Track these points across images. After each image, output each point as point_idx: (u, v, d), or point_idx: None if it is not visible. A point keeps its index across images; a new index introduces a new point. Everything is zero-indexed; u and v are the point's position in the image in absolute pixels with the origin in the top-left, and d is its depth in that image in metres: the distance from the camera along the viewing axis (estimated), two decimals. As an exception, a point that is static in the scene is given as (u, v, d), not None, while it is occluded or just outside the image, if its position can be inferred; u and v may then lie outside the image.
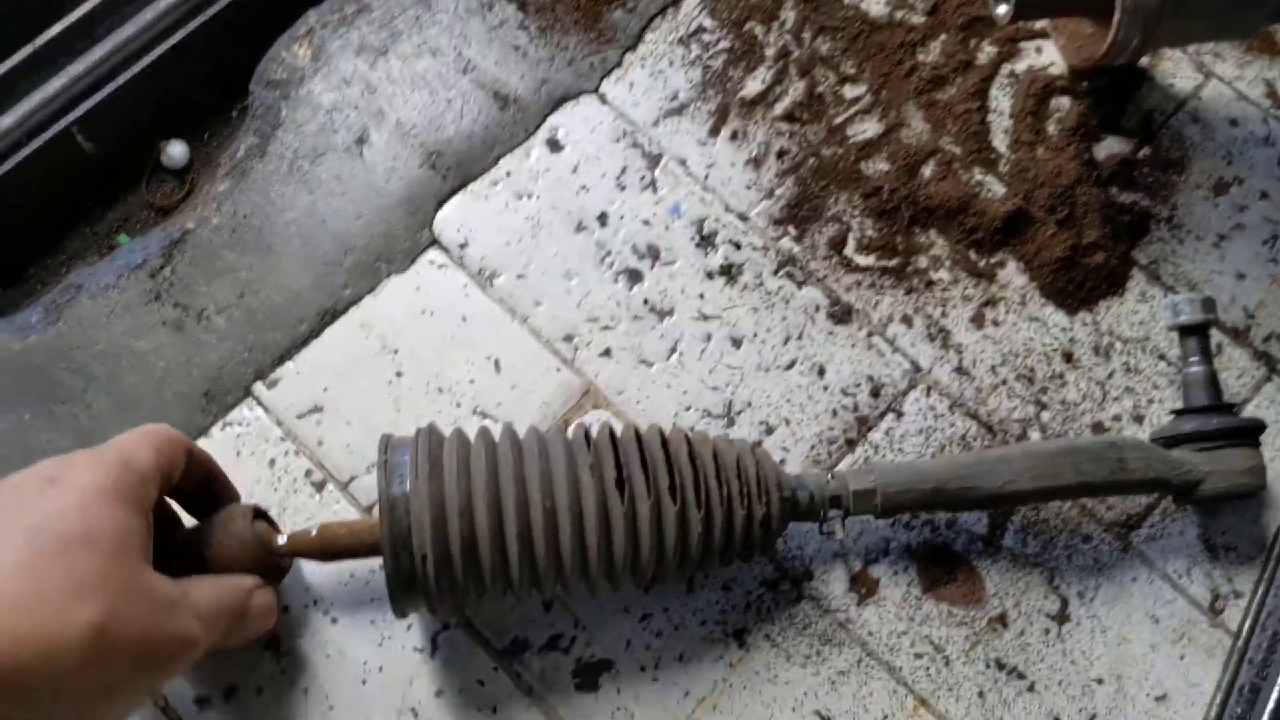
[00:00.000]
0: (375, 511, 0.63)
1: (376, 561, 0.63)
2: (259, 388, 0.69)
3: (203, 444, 0.67)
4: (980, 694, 0.63)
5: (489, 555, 0.55)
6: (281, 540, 0.59)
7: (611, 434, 0.59)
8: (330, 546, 0.59)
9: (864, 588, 0.65)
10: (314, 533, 0.59)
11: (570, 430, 0.60)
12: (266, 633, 0.59)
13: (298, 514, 0.66)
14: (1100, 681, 0.64)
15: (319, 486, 0.67)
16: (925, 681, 0.63)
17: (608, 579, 0.58)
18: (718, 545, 0.58)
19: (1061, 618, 0.65)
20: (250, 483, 0.67)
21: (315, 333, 0.70)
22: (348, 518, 0.66)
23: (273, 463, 0.67)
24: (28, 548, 0.44)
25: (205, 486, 0.59)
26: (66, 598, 0.43)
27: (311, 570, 0.64)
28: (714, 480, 0.58)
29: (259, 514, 0.59)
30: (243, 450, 0.67)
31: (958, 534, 0.66)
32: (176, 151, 0.80)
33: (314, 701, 0.62)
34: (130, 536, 0.47)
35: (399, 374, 0.69)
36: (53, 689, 0.42)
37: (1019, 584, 0.65)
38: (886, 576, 0.65)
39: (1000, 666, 0.64)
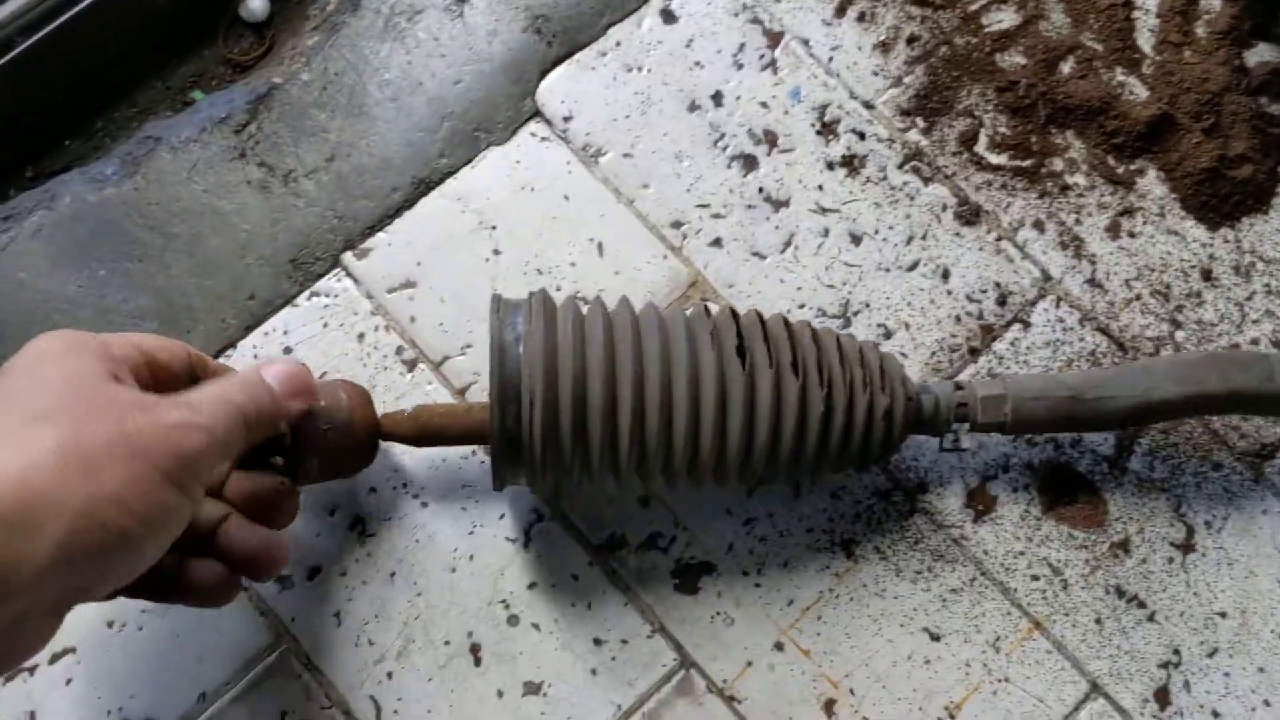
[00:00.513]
0: (469, 398, 0.60)
1: (470, 448, 0.60)
2: (348, 258, 0.65)
3: (288, 313, 0.63)
4: (1098, 621, 0.60)
5: (599, 418, 0.51)
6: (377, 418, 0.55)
7: (733, 311, 0.55)
8: (426, 429, 0.55)
9: (980, 504, 0.62)
10: (409, 411, 0.55)
11: (690, 308, 0.56)
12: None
13: (387, 392, 0.62)
14: (1224, 615, 0.60)
15: (410, 365, 0.63)
16: (1041, 605, 0.60)
17: (718, 462, 0.53)
18: (837, 435, 0.54)
19: (1186, 547, 0.61)
20: (337, 356, 0.63)
21: (408, 203, 0.66)
22: (440, 400, 0.62)
23: (361, 337, 0.63)
24: None
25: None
26: (26, 426, 0.39)
27: (401, 452, 0.61)
28: (838, 365, 0.54)
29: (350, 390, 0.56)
30: (330, 322, 0.63)
31: (1082, 454, 0.63)
32: (256, 4, 0.75)
33: (400, 587, 0.59)
34: (84, 373, 0.43)
35: (496, 252, 0.65)
36: (48, 513, 0.38)
37: (1144, 509, 0.62)
38: (1005, 494, 0.62)
39: (1120, 594, 0.61)
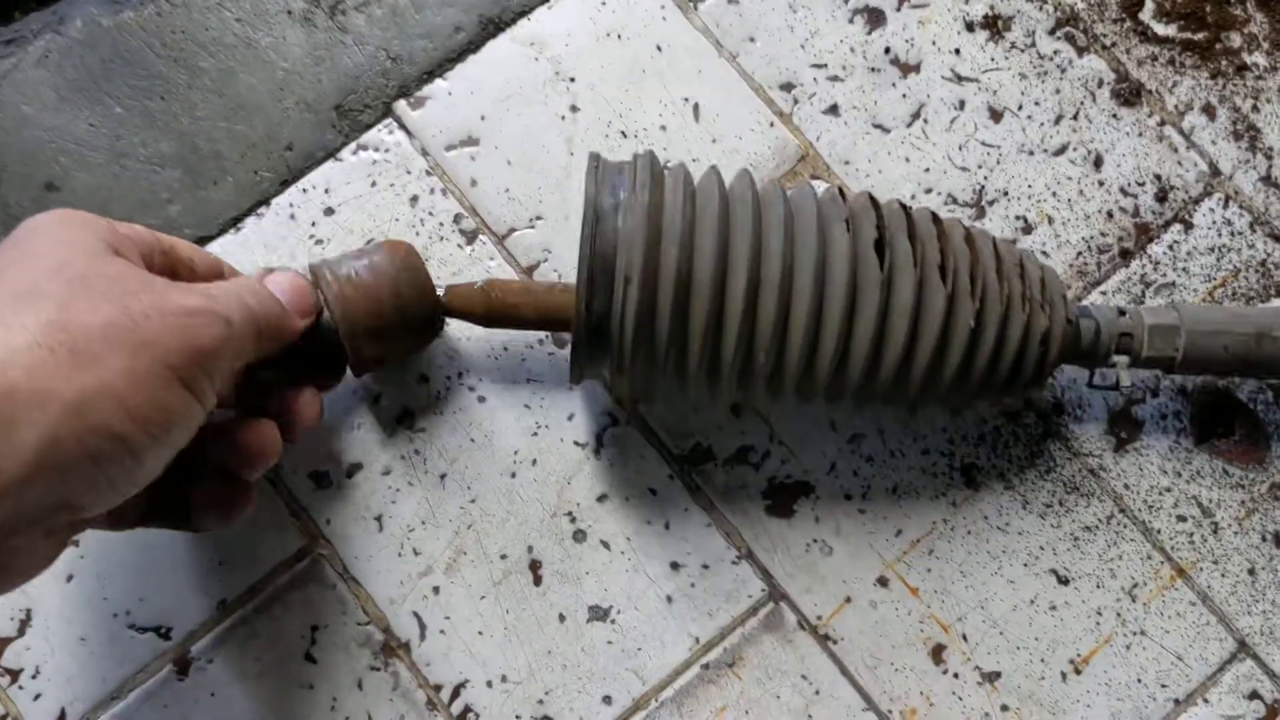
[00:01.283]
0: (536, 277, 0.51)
1: (536, 336, 0.52)
2: (401, 106, 0.55)
3: (331, 168, 0.54)
4: (1250, 571, 0.52)
5: (705, 303, 0.42)
6: (439, 292, 0.46)
7: (872, 198, 0.45)
8: (498, 307, 0.46)
9: (1124, 431, 0.53)
10: (479, 285, 0.46)
11: (823, 189, 0.46)
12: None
13: (443, 266, 0.54)
14: (1396, 573, 0.52)
15: (470, 236, 0.54)
16: (1186, 549, 0.52)
17: (836, 373, 0.45)
18: (984, 357, 0.45)
19: (1358, 493, 0.53)
20: (386, 222, 0.54)
21: (474, 46, 0.56)
22: (504, 278, 0.53)
23: (414, 200, 0.54)
24: None
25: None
26: (4, 309, 0.33)
27: (457, 337, 0.52)
28: (994, 273, 0.45)
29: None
30: (379, 181, 0.54)
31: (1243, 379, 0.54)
32: None
33: (452, 490, 0.51)
34: (81, 247, 0.36)
35: (574, 108, 0.55)
36: (29, 404, 0.31)
37: (1311, 447, 0.53)
38: (1153, 420, 0.53)
39: (1279, 542, 0.52)
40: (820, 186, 0.47)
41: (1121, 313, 0.48)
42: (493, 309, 0.47)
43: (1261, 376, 0.52)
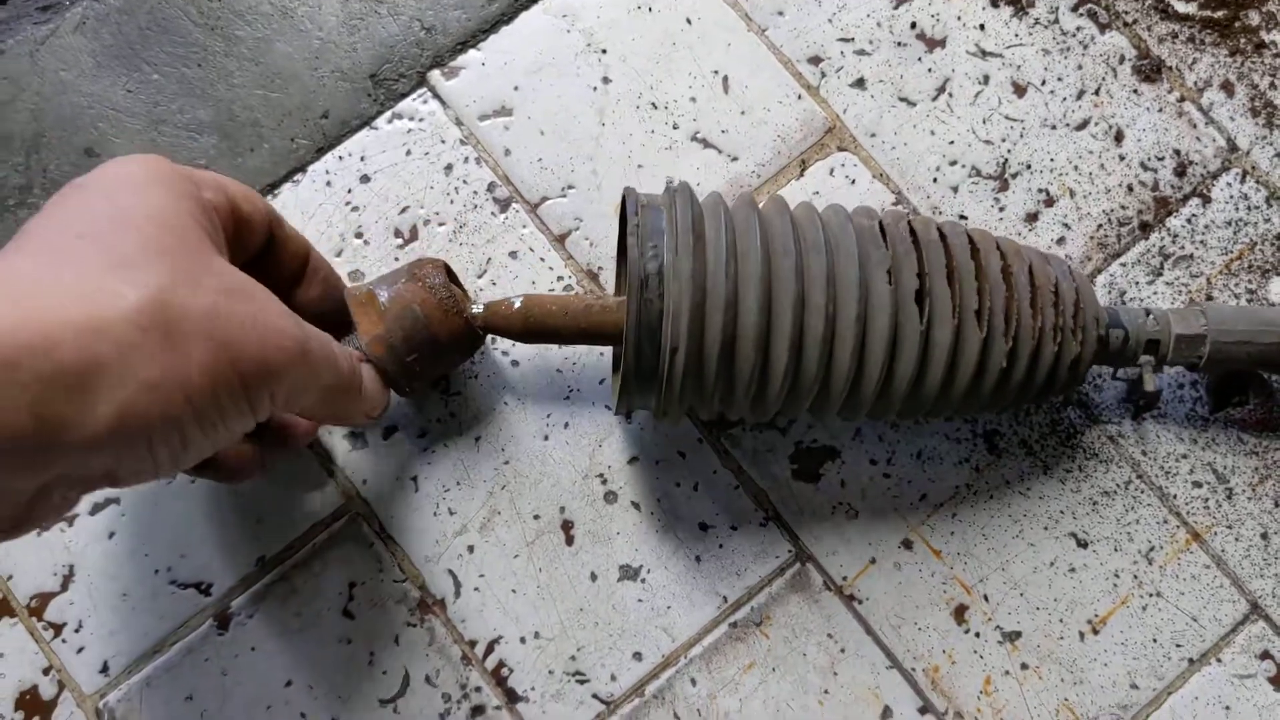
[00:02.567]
0: (573, 285, 0.52)
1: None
2: (436, 76, 0.56)
3: (366, 136, 0.55)
4: (1264, 536, 0.53)
5: (750, 361, 0.44)
6: (476, 309, 0.47)
7: (911, 228, 0.46)
8: (537, 325, 0.47)
9: (1142, 399, 0.54)
10: (517, 305, 0.47)
11: (854, 214, 0.47)
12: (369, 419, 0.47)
13: (476, 234, 0.55)
14: (1405, 539, 0.54)
15: (503, 205, 0.55)
16: (1202, 514, 0.53)
17: (878, 405, 0.46)
18: (1015, 386, 0.46)
19: (1368, 461, 0.54)
20: (421, 190, 0.55)
21: (507, 17, 0.57)
22: (536, 246, 0.54)
23: (449, 169, 0.55)
24: (51, 238, 0.34)
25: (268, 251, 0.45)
26: (104, 274, 0.33)
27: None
28: (1028, 305, 0.46)
29: (449, 273, 0.48)
30: (414, 149, 0.55)
31: (1260, 350, 0.55)
32: None
33: (486, 453, 0.53)
34: (176, 218, 0.36)
35: (605, 80, 0.56)
36: (111, 377, 0.31)
37: (1324, 416, 0.55)
38: (1170, 389, 0.55)
39: (1291, 508, 0.54)
40: (859, 213, 0.47)
41: (1149, 313, 0.49)
42: (531, 328, 0.47)
43: None
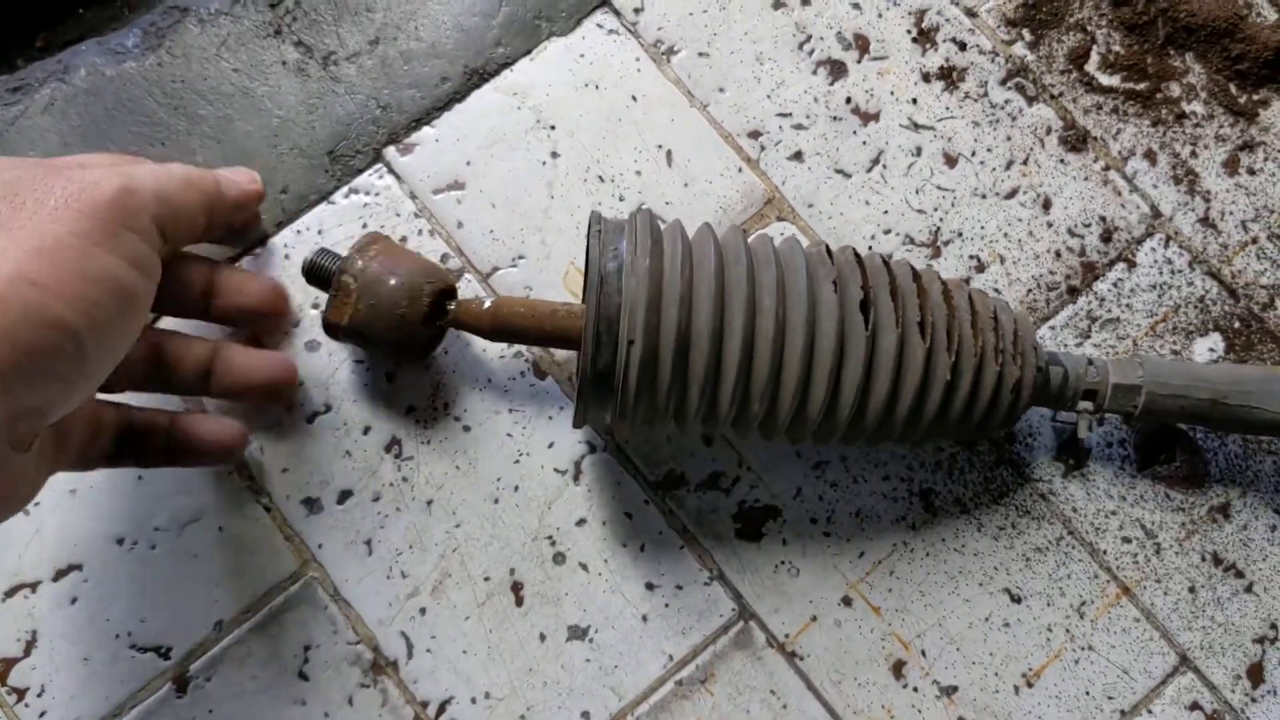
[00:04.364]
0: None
1: (518, 366, 0.55)
2: (391, 153, 0.58)
3: (324, 210, 0.57)
4: (1191, 589, 0.55)
5: (704, 358, 0.46)
6: (450, 305, 0.50)
7: (856, 255, 0.49)
8: (504, 325, 0.49)
9: (1072, 458, 0.57)
10: (487, 305, 0.49)
11: (806, 243, 0.50)
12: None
13: (430, 303, 0.57)
14: (1328, 591, 0.56)
15: (456, 275, 0.57)
16: (1131, 569, 0.55)
17: (825, 420, 0.48)
18: (959, 405, 0.48)
19: (1291, 515, 0.56)
20: (376, 262, 0.57)
21: (459, 95, 0.59)
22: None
23: (404, 241, 0.57)
24: None
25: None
26: None
27: (443, 368, 0.55)
28: (969, 327, 0.48)
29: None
30: (370, 222, 0.57)
31: (1185, 408, 0.57)
32: None
33: (438, 516, 0.54)
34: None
35: (554, 154, 0.59)
36: None
37: (1247, 472, 0.57)
38: (1098, 448, 0.57)
39: (1217, 561, 0.56)
40: (806, 241, 0.50)
41: (1091, 362, 0.51)
42: (499, 327, 0.49)
43: (1215, 429, 0.55)
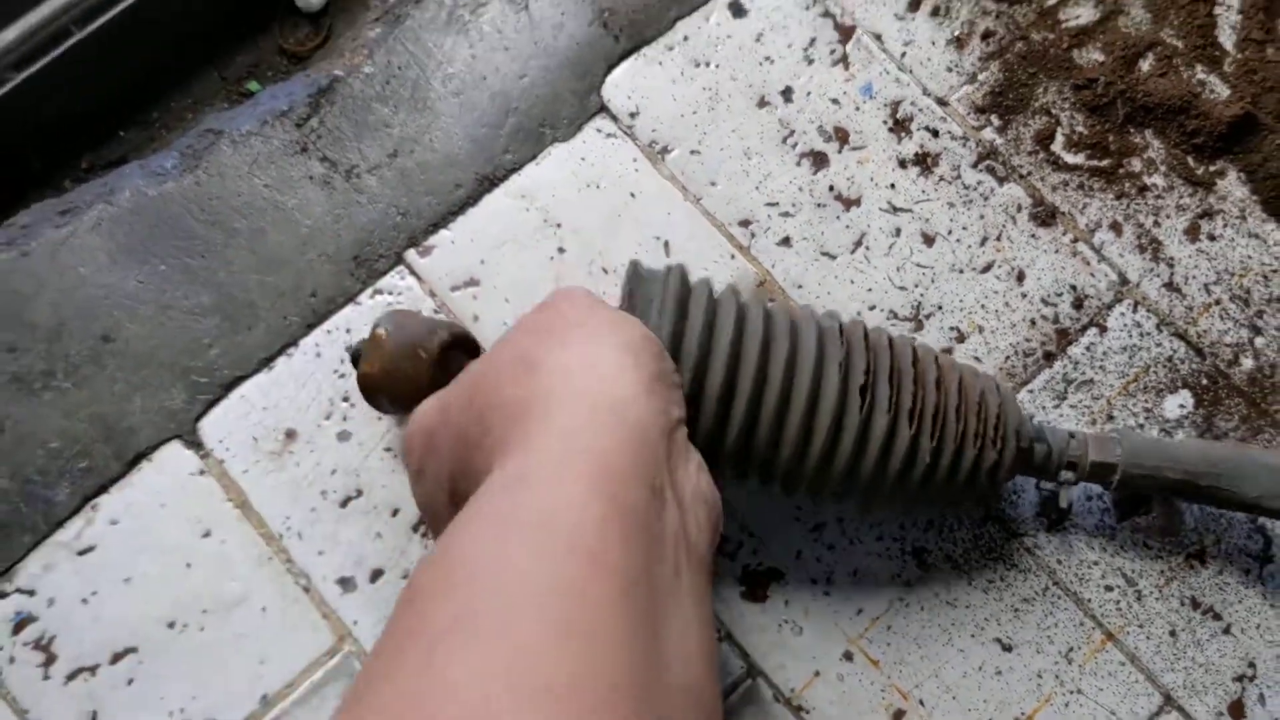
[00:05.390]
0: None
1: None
2: (411, 255, 0.64)
3: (351, 311, 0.63)
4: (1172, 633, 0.59)
5: (709, 420, 0.50)
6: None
7: (866, 333, 0.53)
8: None
9: (1055, 513, 0.60)
10: None
11: (820, 316, 0.54)
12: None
13: (451, 393, 0.61)
14: (1303, 630, 0.59)
15: (473, 365, 0.62)
16: (1115, 616, 0.59)
17: (817, 476, 0.52)
18: (940, 480, 0.52)
19: (1265, 558, 0.60)
20: (400, 356, 0.62)
21: (473, 200, 0.65)
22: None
23: (424, 336, 0.62)
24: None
25: None
26: None
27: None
28: (953, 413, 0.52)
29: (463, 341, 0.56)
30: (393, 320, 0.62)
31: (1159, 463, 0.61)
32: (313, -7, 0.74)
33: (465, 591, 0.58)
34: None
35: (561, 250, 0.64)
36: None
37: (1221, 520, 0.60)
38: (1079, 502, 0.61)
39: (1195, 605, 0.59)
40: (826, 316, 0.54)
41: (1073, 438, 0.56)
42: None
43: (1186, 502, 0.60)
